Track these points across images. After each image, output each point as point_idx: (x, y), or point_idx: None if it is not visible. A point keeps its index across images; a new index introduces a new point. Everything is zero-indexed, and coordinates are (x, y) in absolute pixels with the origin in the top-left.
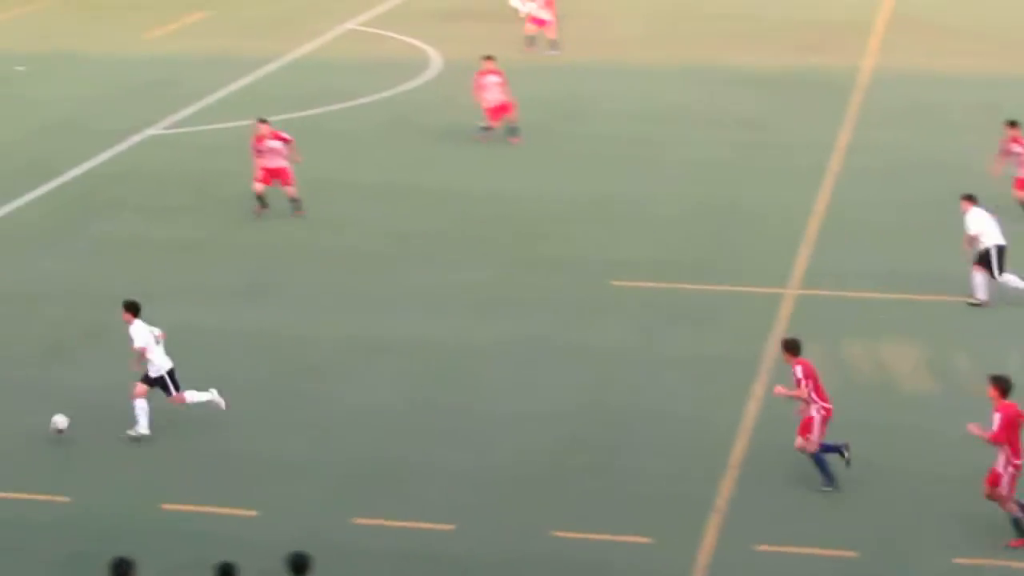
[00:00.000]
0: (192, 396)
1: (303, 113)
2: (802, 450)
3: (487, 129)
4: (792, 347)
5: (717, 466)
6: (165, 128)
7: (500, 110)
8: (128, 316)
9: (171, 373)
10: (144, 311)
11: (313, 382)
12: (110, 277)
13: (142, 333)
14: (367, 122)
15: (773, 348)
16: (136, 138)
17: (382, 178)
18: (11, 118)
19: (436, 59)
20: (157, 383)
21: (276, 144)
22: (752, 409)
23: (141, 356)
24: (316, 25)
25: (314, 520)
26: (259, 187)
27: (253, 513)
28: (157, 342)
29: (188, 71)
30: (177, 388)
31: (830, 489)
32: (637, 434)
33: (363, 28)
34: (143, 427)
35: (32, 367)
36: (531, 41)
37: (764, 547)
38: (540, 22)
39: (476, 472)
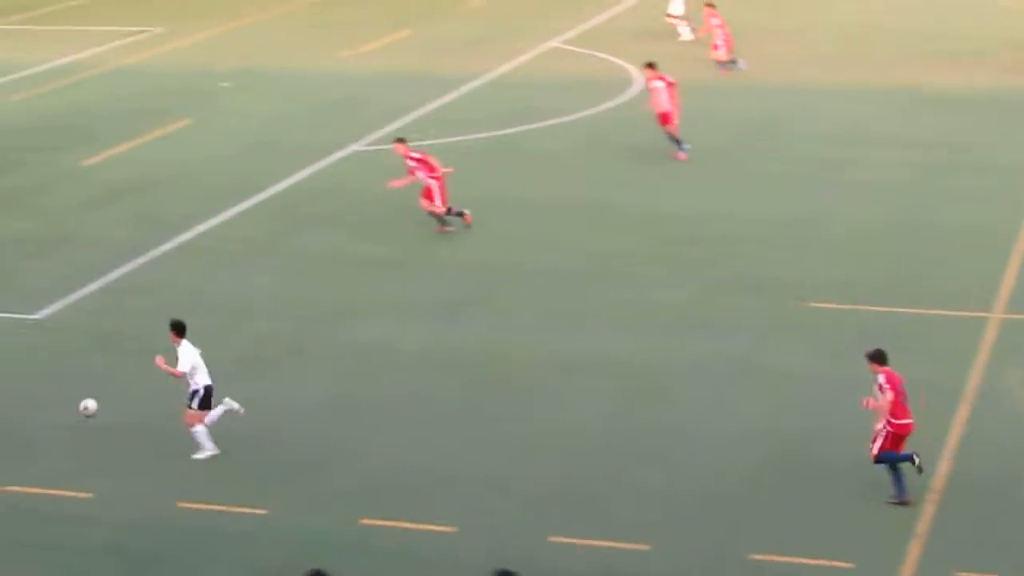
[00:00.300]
0: (212, 416)
1: (503, 131)
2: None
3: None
4: (877, 357)
5: (917, 490)
6: (366, 145)
7: (664, 118)
8: (176, 337)
9: (208, 390)
10: (344, 326)
11: (510, 399)
12: (312, 292)
13: (189, 355)
14: (566, 141)
15: (978, 373)
16: (338, 155)
17: (580, 196)
18: (216, 134)
19: (638, 78)
20: (193, 397)
21: (412, 163)
22: (955, 434)
23: (180, 376)
24: (518, 44)
25: (510, 538)
26: (426, 204)
27: (451, 529)
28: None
29: (390, 88)
30: (205, 407)
31: (899, 503)
32: (833, 456)
33: (565, 47)
34: (209, 449)
35: (234, 381)
36: (724, 64)
37: (965, 574)
38: (714, 46)
39: (671, 492)
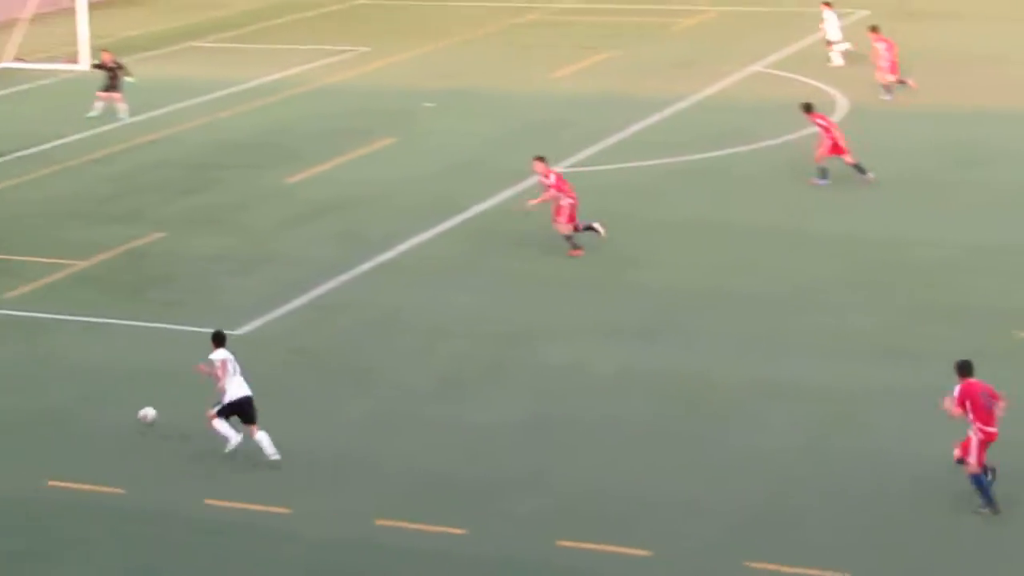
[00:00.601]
0: (220, 426)
1: (705, 155)
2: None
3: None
4: (963, 369)
5: None
6: (568, 166)
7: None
8: (215, 346)
9: (245, 401)
10: (541, 347)
11: (707, 423)
12: (509, 313)
13: (219, 356)
14: (768, 165)
15: None
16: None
17: (780, 221)
18: (418, 154)
19: (842, 102)
20: (226, 409)
21: (548, 182)
22: None
23: (211, 375)
24: (721, 67)
25: (706, 562)
26: (558, 225)
27: (646, 553)
28: (235, 371)
29: (593, 110)
30: (223, 415)
31: (987, 512)
32: None
33: (769, 71)
34: (233, 440)
35: (431, 402)
36: (889, 87)
37: None
38: (880, 68)
39: (869, 519)
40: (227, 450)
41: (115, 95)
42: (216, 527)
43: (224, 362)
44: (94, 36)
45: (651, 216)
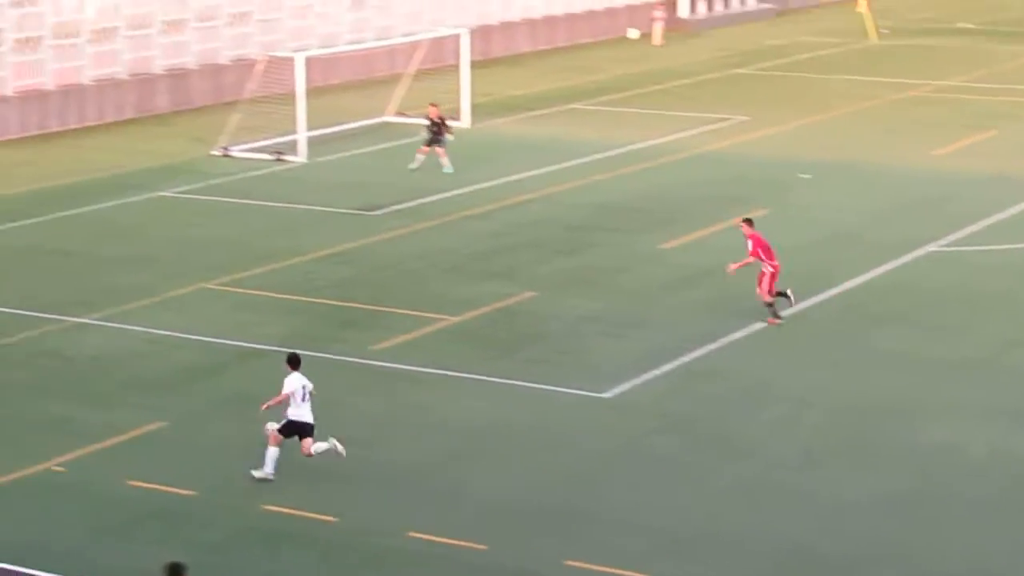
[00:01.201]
0: (317, 447)
1: None
2: None
3: None
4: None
5: None
6: (944, 245)
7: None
8: (288, 367)
9: (293, 424)
10: (908, 425)
11: None
12: (877, 388)
13: (293, 382)
14: None
15: None
16: (915, 252)
17: None
18: (792, 225)
19: None
20: (294, 429)
21: (752, 245)
22: None
23: (284, 401)
24: None
25: None
26: (760, 292)
27: None
28: (304, 398)
29: (974, 188)
30: (284, 433)
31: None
32: None
33: None
34: (269, 470)
35: (794, 473)
36: None
37: None
38: None
39: None
40: (256, 474)
41: (438, 149)
42: None
43: (293, 393)
44: (476, 94)
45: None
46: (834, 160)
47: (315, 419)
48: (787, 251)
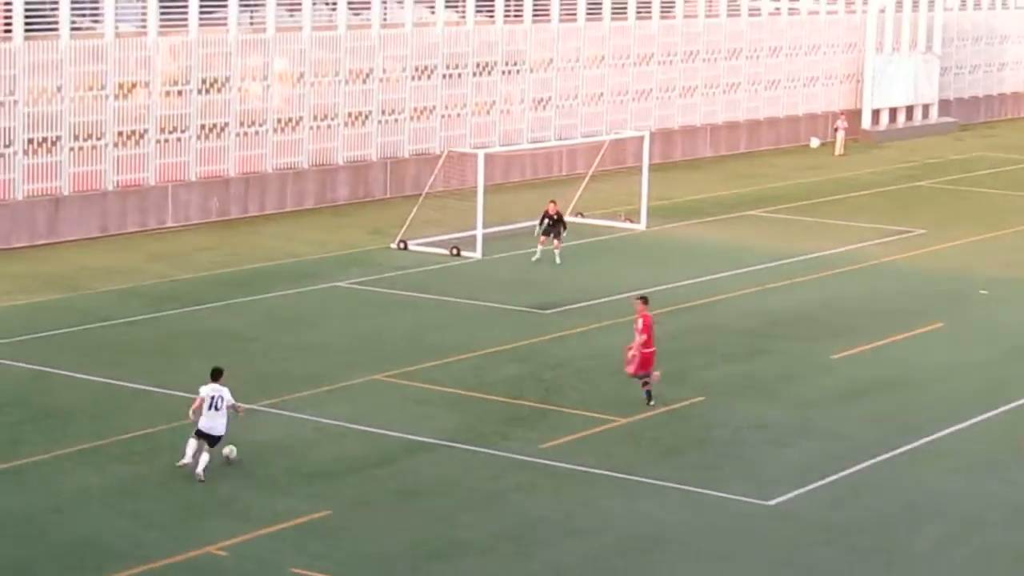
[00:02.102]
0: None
1: None
2: None
3: None
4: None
5: None
6: None
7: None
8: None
9: (212, 439)
10: None
11: None
12: None
13: (204, 391)
14: None
15: None
16: None
17: None
18: (968, 340)
19: None
20: (202, 436)
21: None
22: None
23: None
24: None
25: None
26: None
27: None
28: (216, 407)
29: None
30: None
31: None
32: None
33: None
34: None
35: None
36: None
37: None
38: None
39: None
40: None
41: (555, 241)
42: None
43: (203, 399)
44: (654, 196)
45: None
46: (1015, 276)
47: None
48: (963, 366)
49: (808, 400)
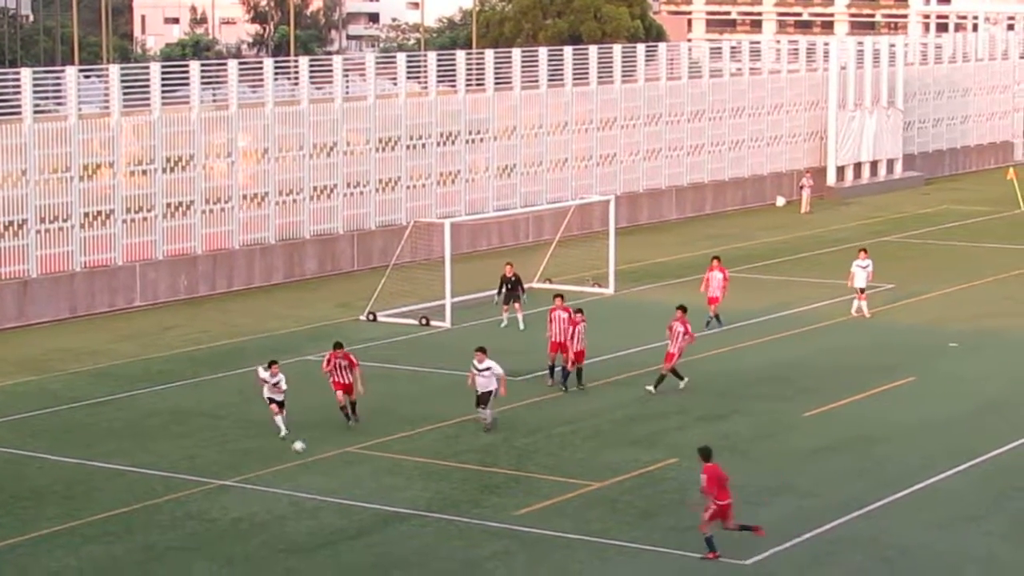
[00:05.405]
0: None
1: None
2: None
3: None
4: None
5: None
6: None
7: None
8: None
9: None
10: None
11: None
12: None
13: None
14: None
15: None
16: None
17: None
18: (940, 394)
19: None
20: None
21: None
22: None
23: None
24: None
25: None
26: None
27: None
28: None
29: None
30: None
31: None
32: None
33: None
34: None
35: None
36: None
37: None
38: None
39: None
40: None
41: (516, 305)
42: None
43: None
44: (621, 260)
45: None
46: (983, 328)
47: None
48: (935, 420)
49: (783, 458)
